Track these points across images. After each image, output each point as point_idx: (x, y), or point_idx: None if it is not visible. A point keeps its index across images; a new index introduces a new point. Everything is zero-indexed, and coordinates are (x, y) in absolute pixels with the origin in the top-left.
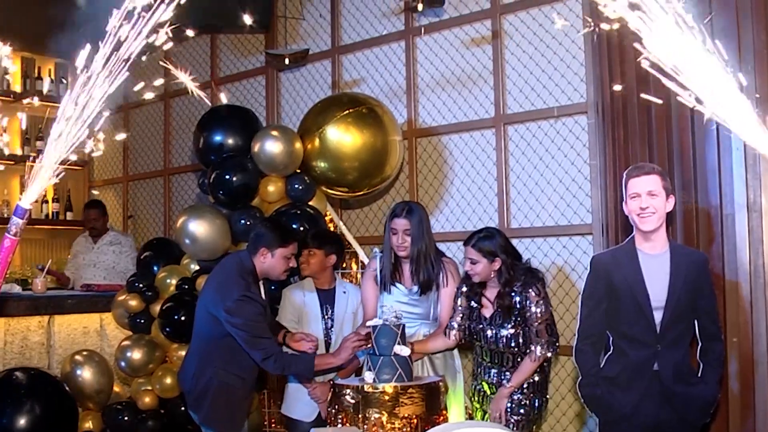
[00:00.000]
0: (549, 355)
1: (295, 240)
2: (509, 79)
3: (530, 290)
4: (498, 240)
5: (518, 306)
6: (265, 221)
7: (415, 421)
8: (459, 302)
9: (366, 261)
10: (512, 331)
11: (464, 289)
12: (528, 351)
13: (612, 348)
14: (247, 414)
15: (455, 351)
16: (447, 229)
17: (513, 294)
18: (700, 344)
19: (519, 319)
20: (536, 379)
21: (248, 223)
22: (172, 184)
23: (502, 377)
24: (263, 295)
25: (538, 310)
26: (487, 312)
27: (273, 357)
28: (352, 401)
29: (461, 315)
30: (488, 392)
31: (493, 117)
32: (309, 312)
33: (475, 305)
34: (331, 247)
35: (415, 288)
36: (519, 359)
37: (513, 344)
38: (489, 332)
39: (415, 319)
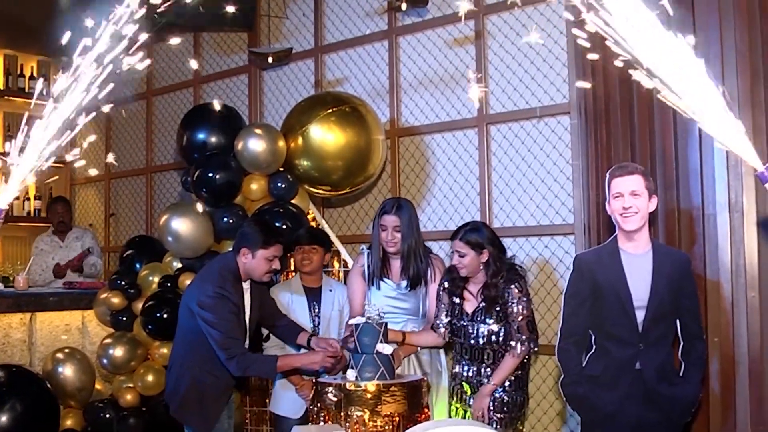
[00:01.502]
0: (530, 351)
1: (278, 242)
2: (492, 79)
3: (512, 287)
4: (485, 232)
5: (500, 302)
6: (252, 221)
7: (397, 419)
8: (441, 299)
9: (349, 260)
10: (494, 327)
11: (446, 285)
12: (508, 348)
13: (595, 347)
14: (222, 411)
15: (441, 350)
16: (429, 228)
17: (496, 287)
18: (682, 344)
19: (500, 314)
20: (518, 374)
21: (231, 221)
22: (154, 182)
23: (481, 374)
24: (248, 296)
25: (520, 307)
26: (470, 307)
27: (236, 358)
28: (335, 399)
29: (445, 312)
30: (468, 392)
31: (476, 117)
32: (296, 310)
33: (458, 301)
34: (328, 246)
35: (404, 283)
36: (498, 356)
37: (494, 340)
38: (470, 328)
39: (403, 314)
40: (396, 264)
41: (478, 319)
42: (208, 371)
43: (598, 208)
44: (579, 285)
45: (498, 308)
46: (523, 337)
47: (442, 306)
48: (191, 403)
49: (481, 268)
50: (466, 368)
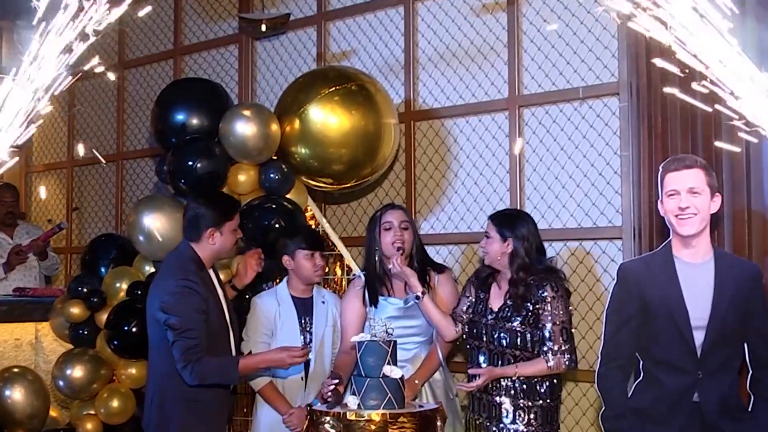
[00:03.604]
0: (563, 366)
1: (237, 208)
2: (526, 54)
3: (546, 286)
4: (521, 221)
5: (531, 300)
6: (198, 199)
7: None
8: (467, 291)
9: (353, 266)
10: (519, 327)
11: (474, 279)
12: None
13: (643, 374)
14: (225, 424)
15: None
16: (449, 229)
17: (526, 286)
18: (750, 372)
19: (530, 316)
20: (547, 404)
21: None
22: (125, 170)
23: (500, 383)
24: (220, 286)
25: (554, 310)
26: (496, 304)
27: (191, 365)
28: (332, 431)
29: (467, 305)
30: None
31: (507, 98)
32: (285, 325)
33: (483, 295)
34: None
35: (411, 298)
36: None
37: (518, 343)
38: (492, 327)
39: (413, 337)
40: (398, 279)
41: (503, 317)
42: (198, 387)
43: (651, 209)
44: (624, 300)
45: (529, 310)
46: (556, 347)
47: (466, 298)
48: (192, 429)
49: (504, 262)
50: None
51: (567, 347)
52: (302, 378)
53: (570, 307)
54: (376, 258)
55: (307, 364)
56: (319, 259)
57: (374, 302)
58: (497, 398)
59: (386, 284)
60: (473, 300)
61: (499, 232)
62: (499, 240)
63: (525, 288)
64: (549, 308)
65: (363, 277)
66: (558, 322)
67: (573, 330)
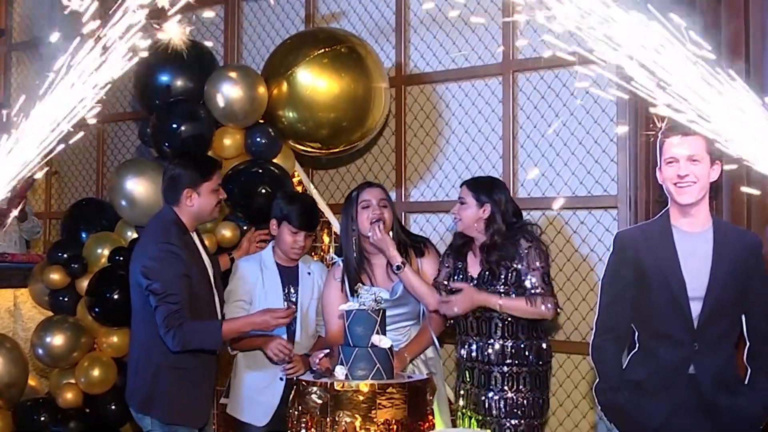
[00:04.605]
0: (544, 308)
1: (216, 167)
2: (521, 15)
3: (520, 239)
4: (498, 187)
5: (507, 259)
6: (175, 159)
7: (395, 427)
8: (445, 262)
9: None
10: (503, 289)
11: (449, 251)
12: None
13: (638, 346)
14: (211, 398)
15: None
16: (440, 197)
17: (499, 248)
18: (748, 345)
19: (511, 276)
20: (537, 369)
21: None
22: (107, 133)
23: (489, 352)
24: (202, 249)
25: (531, 259)
26: (474, 270)
27: (173, 330)
28: (319, 401)
29: (447, 274)
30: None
31: (501, 63)
32: (268, 293)
33: (461, 264)
34: None
35: (399, 288)
36: (509, 328)
37: None
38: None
39: (402, 322)
40: (380, 263)
41: (485, 281)
42: (187, 353)
43: (647, 177)
44: (620, 269)
45: (508, 271)
46: (536, 291)
47: (446, 268)
48: (180, 399)
49: (480, 227)
50: (472, 348)
51: (548, 291)
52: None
53: (549, 258)
54: (354, 240)
55: (292, 336)
56: (302, 238)
57: (354, 293)
58: (486, 366)
59: (367, 270)
60: (451, 270)
61: (476, 198)
62: (476, 205)
63: (496, 252)
64: (526, 259)
65: (341, 264)
66: (535, 268)
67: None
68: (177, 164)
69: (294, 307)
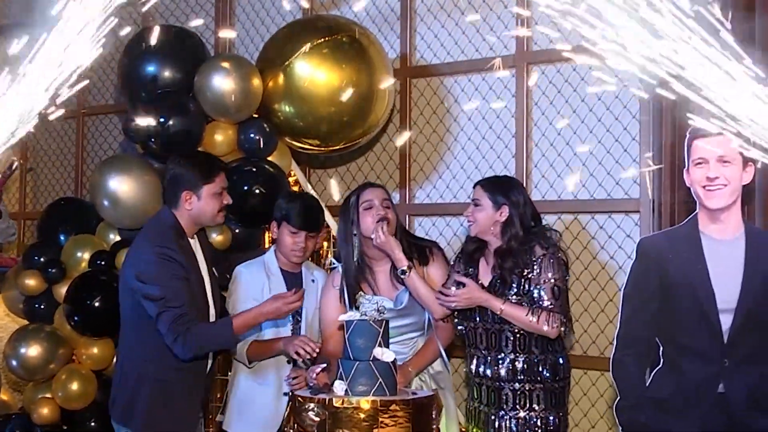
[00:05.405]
0: (547, 326)
1: (220, 171)
2: (536, 4)
3: (535, 246)
4: (516, 187)
5: (521, 266)
6: (178, 159)
7: None
8: (456, 267)
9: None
10: (515, 299)
11: (461, 255)
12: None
13: (662, 361)
14: (198, 412)
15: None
16: (447, 199)
17: (514, 255)
18: None
19: (524, 286)
20: (552, 386)
21: None
22: (87, 128)
23: (500, 366)
24: (200, 255)
25: (545, 268)
26: (486, 279)
27: (180, 337)
28: (317, 419)
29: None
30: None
31: (514, 54)
32: None
33: (472, 271)
34: None
35: (404, 296)
36: (521, 342)
37: None
38: None
39: (408, 333)
40: (382, 270)
41: (496, 291)
42: (169, 366)
43: (673, 179)
44: (643, 279)
45: (521, 280)
46: (545, 304)
47: (456, 274)
48: (158, 412)
49: (495, 232)
50: (481, 361)
51: (556, 307)
52: (289, 362)
53: (566, 269)
54: (355, 245)
55: None
56: (302, 240)
57: (354, 305)
58: (496, 383)
59: (368, 279)
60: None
61: (492, 199)
62: (492, 207)
63: (512, 258)
64: (539, 267)
65: (340, 270)
66: (546, 280)
67: (568, 292)
68: (178, 164)
69: (303, 289)
